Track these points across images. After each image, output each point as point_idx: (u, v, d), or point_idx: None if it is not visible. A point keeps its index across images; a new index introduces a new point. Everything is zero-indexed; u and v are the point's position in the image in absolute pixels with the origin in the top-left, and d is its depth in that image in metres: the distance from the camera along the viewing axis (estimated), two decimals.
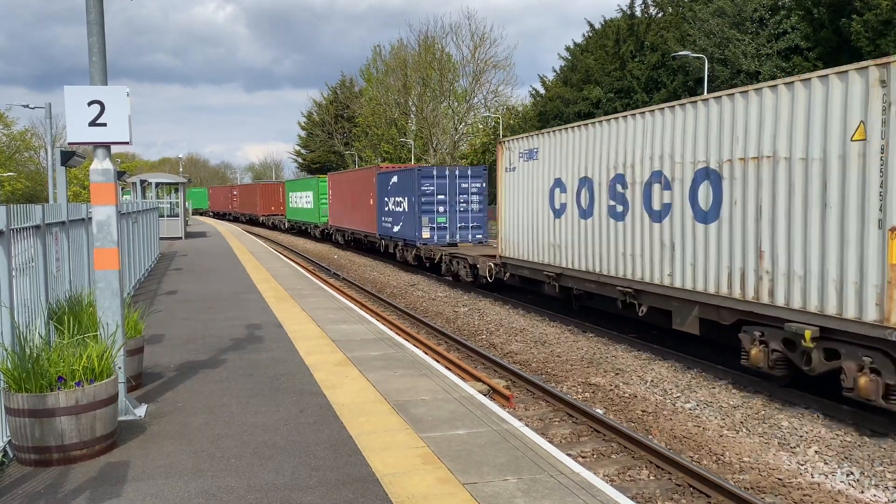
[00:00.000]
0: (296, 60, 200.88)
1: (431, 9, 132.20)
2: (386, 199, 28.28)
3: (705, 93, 30.65)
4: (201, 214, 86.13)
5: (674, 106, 11.88)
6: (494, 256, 19.50)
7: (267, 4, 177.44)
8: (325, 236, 42.16)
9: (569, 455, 6.69)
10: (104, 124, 6.77)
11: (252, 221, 65.08)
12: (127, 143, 6.87)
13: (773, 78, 30.58)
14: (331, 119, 79.15)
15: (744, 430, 9.00)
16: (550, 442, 7.90)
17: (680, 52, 32.75)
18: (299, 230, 50.17)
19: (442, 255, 23.13)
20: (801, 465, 7.89)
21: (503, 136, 52.35)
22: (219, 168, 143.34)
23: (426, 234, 24.59)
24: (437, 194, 24.52)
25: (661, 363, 12.20)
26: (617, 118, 13.43)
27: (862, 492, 7.22)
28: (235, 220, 71.70)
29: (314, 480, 5.54)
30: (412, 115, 65.45)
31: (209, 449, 6.23)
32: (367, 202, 31.53)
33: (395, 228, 27.23)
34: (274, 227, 58.21)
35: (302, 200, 46.37)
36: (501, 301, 18.96)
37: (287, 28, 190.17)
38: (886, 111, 8.18)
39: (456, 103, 63.02)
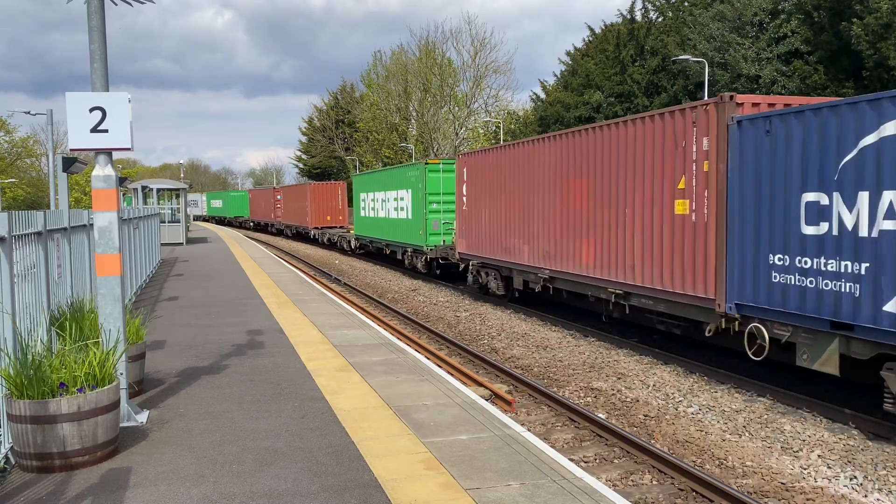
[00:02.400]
0: (294, 66, 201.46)
1: (429, 14, 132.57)
2: None
3: (706, 96, 30.61)
4: (239, 226, 70.78)
5: None
6: None
7: (265, 10, 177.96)
8: (440, 271, 24.44)
9: (571, 460, 6.68)
10: (105, 130, 6.78)
11: (301, 236, 47.85)
12: (128, 149, 6.89)
13: (774, 82, 30.55)
14: (332, 124, 79.23)
15: (746, 434, 8.98)
16: (553, 447, 7.89)
17: (680, 57, 32.76)
18: (379, 254, 31.74)
19: None
20: (804, 469, 7.87)
21: (504, 141, 52.09)
22: (220, 174, 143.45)
23: None
24: None
25: (663, 367, 12.18)
26: None
27: (865, 496, 7.20)
28: (279, 233, 55.04)
29: (316, 486, 5.53)
30: (413, 120, 65.48)
31: (211, 455, 6.22)
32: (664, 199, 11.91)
33: None
34: (331, 245, 40.53)
35: (386, 205, 28.22)
36: (503, 306, 18.94)
37: (285, 34, 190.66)
38: None
39: (456, 108, 63.06)
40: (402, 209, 26.22)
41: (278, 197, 54.44)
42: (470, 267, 20.58)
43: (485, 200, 19.27)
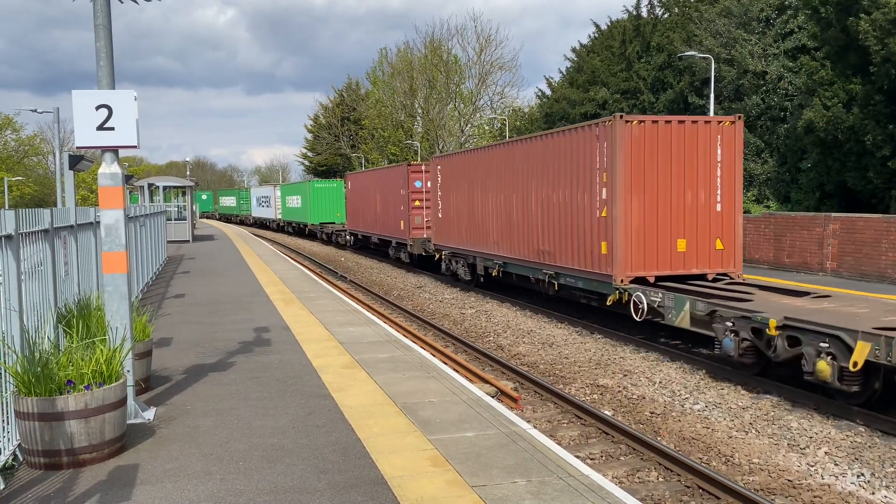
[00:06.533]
0: (296, 64, 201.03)
1: (431, 11, 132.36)
2: None
3: (712, 93, 30.50)
4: (327, 238, 42.86)
5: None
6: None
7: (266, 8, 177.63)
8: None
9: (577, 457, 6.67)
10: (112, 128, 6.79)
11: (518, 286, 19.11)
12: (135, 146, 6.90)
13: (780, 78, 30.42)
14: (337, 122, 79.20)
15: (753, 431, 8.95)
16: (559, 444, 7.88)
17: (686, 53, 32.60)
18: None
19: None
20: (811, 466, 7.85)
21: (510, 137, 51.84)
22: (226, 171, 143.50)
23: None
24: None
25: (670, 364, 12.15)
26: None
27: (873, 493, 7.18)
28: (424, 264, 26.62)
29: (323, 483, 5.53)
30: (418, 118, 65.42)
31: (218, 452, 6.23)
32: None
33: None
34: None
35: None
36: (509, 303, 18.93)
37: (287, 31, 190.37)
38: None
39: (462, 105, 62.98)
40: None
41: (417, 184, 26.17)
42: None
43: None
